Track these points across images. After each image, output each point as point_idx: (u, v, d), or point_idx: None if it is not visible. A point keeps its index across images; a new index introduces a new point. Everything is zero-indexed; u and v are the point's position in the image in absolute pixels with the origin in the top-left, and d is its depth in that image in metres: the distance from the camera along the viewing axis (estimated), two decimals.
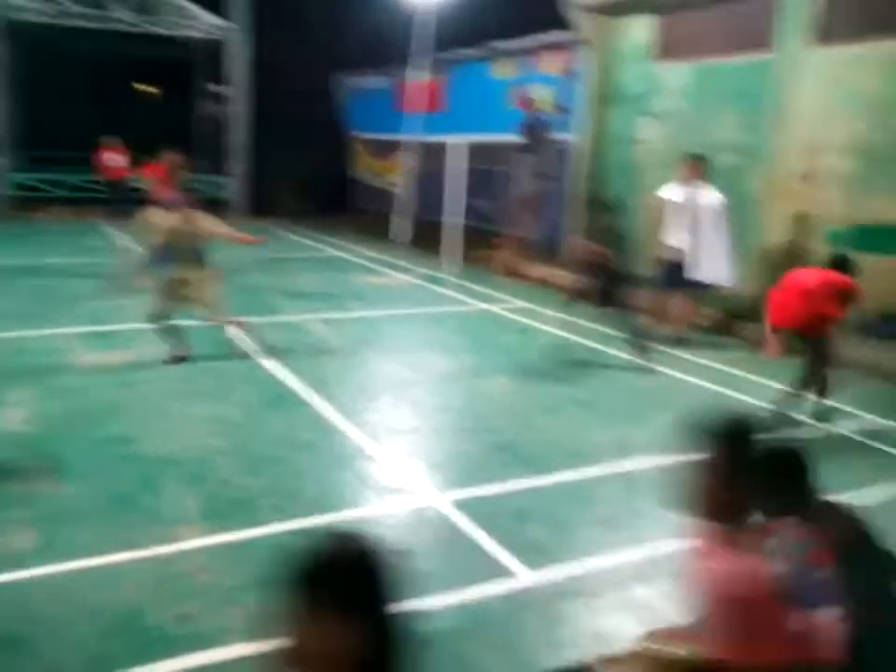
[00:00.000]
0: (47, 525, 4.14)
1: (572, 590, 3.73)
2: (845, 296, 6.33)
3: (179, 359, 7.12)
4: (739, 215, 9.62)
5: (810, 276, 6.43)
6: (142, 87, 30.64)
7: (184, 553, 3.92)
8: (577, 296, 8.03)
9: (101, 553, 3.88)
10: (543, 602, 3.63)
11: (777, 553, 2.67)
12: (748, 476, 2.08)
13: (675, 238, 8.71)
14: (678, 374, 7.56)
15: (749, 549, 2.03)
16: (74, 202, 19.39)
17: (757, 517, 2.11)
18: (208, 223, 7.30)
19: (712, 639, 2.00)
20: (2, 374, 6.65)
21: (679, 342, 8.65)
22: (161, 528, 4.14)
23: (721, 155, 10.37)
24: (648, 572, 3.92)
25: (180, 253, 7.06)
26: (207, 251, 7.25)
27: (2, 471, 4.75)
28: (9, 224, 17.29)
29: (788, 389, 6.44)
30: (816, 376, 6.53)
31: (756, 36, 10.09)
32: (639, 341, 7.72)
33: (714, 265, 8.63)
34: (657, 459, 5.33)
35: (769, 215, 9.96)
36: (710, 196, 8.65)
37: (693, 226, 8.62)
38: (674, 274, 8.74)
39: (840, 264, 6.44)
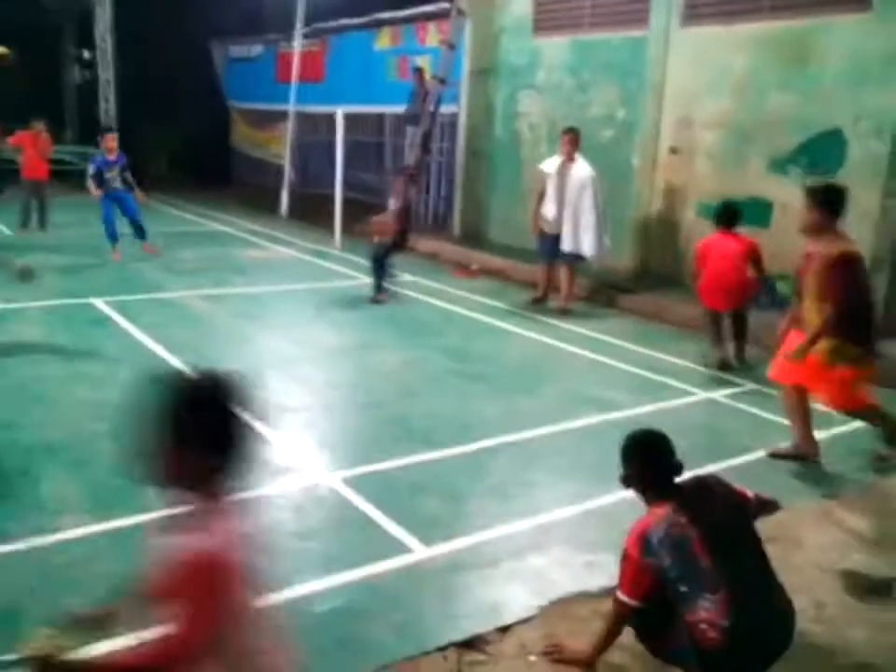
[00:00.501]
0: None
1: (468, 562, 3.79)
2: (755, 257, 6.79)
3: None
4: (616, 188, 9.92)
5: (729, 245, 6.75)
6: None
7: (66, 544, 3.76)
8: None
9: None
10: (439, 576, 3.67)
11: (660, 546, 2.80)
12: (200, 436, 1.78)
13: (551, 210, 8.93)
14: (560, 344, 7.75)
15: (223, 521, 1.76)
16: None
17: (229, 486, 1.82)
18: None
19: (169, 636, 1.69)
20: None
21: (562, 312, 8.86)
22: (42, 519, 3.95)
23: (599, 129, 10.63)
24: (542, 541, 4.02)
25: None
26: None
27: None
28: None
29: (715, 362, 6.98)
30: (742, 346, 7.00)
31: (631, 13, 10.33)
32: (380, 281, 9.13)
33: (583, 237, 8.86)
34: (546, 429, 5.48)
35: (644, 188, 10.28)
36: (581, 169, 8.86)
37: (563, 198, 8.86)
38: (552, 246, 9.01)
39: (732, 216, 6.87)
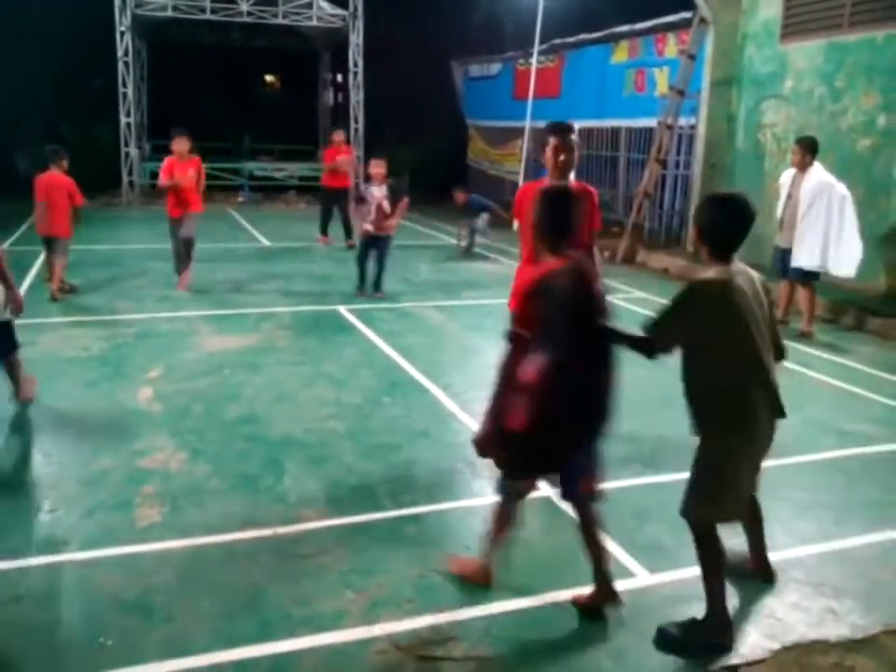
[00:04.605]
0: (175, 500, 4.34)
1: (695, 594, 3.59)
2: None
3: None
4: (872, 201, 9.13)
5: None
6: (267, 77, 31.50)
7: (304, 535, 4.02)
8: None
9: (224, 530, 4.03)
10: (664, 605, 3.54)
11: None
12: None
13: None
14: (801, 370, 7.21)
15: None
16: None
17: None
18: None
19: None
20: (135, 353, 7.01)
21: (803, 336, 8.26)
22: (284, 509, 4.27)
23: (856, 138, 9.86)
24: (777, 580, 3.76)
25: None
26: None
27: (137, 447, 5.00)
28: (144, 211, 18.17)
29: None
30: None
31: None
32: None
33: (810, 251, 8.19)
34: (784, 460, 5.12)
35: None
36: (810, 179, 8.20)
37: (793, 211, 8.32)
38: (782, 261, 8.56)
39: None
